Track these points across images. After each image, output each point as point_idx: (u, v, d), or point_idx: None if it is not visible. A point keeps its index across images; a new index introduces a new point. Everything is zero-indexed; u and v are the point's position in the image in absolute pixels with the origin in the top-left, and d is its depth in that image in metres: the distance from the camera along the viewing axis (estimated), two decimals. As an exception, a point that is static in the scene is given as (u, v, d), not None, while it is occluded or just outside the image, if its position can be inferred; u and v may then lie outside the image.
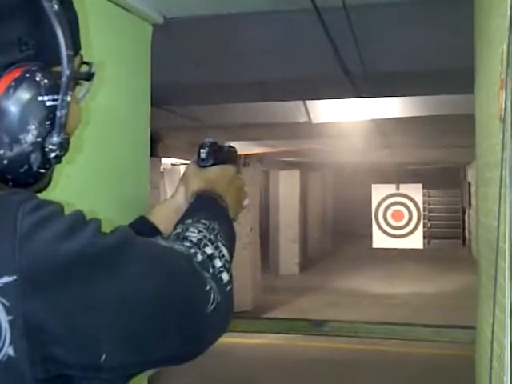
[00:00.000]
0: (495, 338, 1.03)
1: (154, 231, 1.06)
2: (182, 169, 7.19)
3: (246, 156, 7.83)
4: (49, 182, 0.76)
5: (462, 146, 6.70)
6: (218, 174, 1.09)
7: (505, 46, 0.95)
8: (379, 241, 12.53)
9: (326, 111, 4.64)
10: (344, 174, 14.59)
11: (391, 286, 9.86)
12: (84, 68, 0.77)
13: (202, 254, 0.78)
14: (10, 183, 0.68)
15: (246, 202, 1.14)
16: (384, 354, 5.72)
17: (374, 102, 4.30)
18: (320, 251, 13.21)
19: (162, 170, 6.68)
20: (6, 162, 0.66)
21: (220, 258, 0.81)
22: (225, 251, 0.84)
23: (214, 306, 0.73)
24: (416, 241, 12.50)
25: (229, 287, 0.80)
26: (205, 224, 0.87)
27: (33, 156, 0.67)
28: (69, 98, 0.68)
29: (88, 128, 1.21)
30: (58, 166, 1.06)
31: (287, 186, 11.04)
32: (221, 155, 1.12)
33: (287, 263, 10.93)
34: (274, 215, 11.18)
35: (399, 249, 12.60)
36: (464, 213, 14.69)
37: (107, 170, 1.34)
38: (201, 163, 1.10)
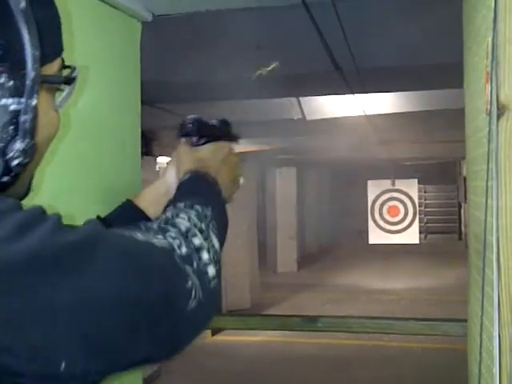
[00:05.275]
0: (484, 330, 1.04)
1: (140, 215, 1.03)
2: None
3: (242, 153, 7.83)
4: (28, 189, 0.72)
5: (457, 141, 6.70)
6: (211, 152, 1.05)
7: (490, 39, 0.95)
8: (375, 237, 12.58)
9: (319, 108, 4.64)
10: (340, 171, 14.60)
11: (388, 281, 9.89)
12: (66, 72, 0.72)
13: (187, 246, 0.74)
14: None
15: (241, 180, 1.09)
16: (382, 349, 5.74)
17: (367, 97, 4.31)
18: (317, 248, 13.23)
19: (157, 168, 6.67)
20: None
21: (208, 249, 0.78)
22: (215, 241, 0.81)
23: (194, 303, 0.70)
24: (412, 236, 12.55)
25: (214, 282, 0.76)
26: (197, 211, 0.83)
27: None
28: (34, 102, 0.63)
29: (75, 128, 1.21)
30: (47, 168, 1.06)
31: (284, 184, 11.05)
32: (209, 131, 1.07)
33: (285, 260, 10.95)
34: (271, 213, 11.19)
35: (396, 244, 12.63)
36: (460, 207, 14.73)
37: (97, 170, 1.34)
38: (193, 142, 1.05)
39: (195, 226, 0.79)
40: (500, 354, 0.92)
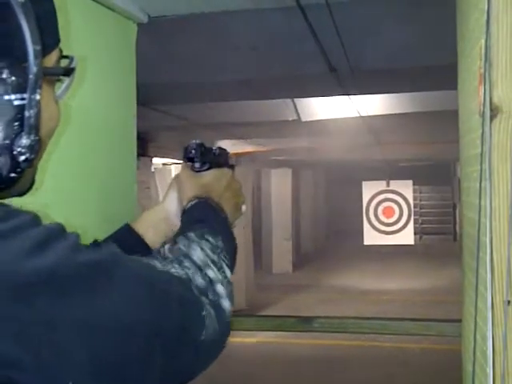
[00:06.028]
0: (478, 329, 1.04)
1: (138, 240, 1.03)
2: (173, 168, 7.18)
3: (238, 155, 7.84)
4: (31, 185, 0.71)
5: (451, 142, 6.72)
6: (214, 177, 1.04)
7: (483, 41, 0.96)
8: (370, 237, 12.59)
9: (314, 109, 4.65)
10: (335, 172, 14.62)
11: (384, 282, 9.91)
12: (64, 62, 0.71)
13: (203, 278, 0.75)
14: None
15: (243, 207, 1.09)
16: (378, 350, 5.74)
17: (362, 99, 4.32)
18: (313, 249, 13.25)
19: (153, 169, 6.67)
20: None
21: (222, 281, 0.78)
22: (228, 272, 0.81)
23: (208, 334, 0.70)
24: (407, 237, 12.57)
25: (228, 315, 0.76)
26: (208, 241, 0.83)
27: (1, 160, 0.61)
28: (38, 97, 0.62)
29: (71, 129, 1.21)
30: (39, 167, 1.06)
31: (279, 185, 11.06)
32: (211, 158, 1.07)
33: (280, 261, 10.95)
34: (266, 214, 11.19)
35: (391, 245, 12.65)
36: (455, 208, 14.77)
37: (92, 170, 1.34)
38: (196, 168, 1.05)
39: (208, 257, 0.79)
40: (493, 353, 0.92)
